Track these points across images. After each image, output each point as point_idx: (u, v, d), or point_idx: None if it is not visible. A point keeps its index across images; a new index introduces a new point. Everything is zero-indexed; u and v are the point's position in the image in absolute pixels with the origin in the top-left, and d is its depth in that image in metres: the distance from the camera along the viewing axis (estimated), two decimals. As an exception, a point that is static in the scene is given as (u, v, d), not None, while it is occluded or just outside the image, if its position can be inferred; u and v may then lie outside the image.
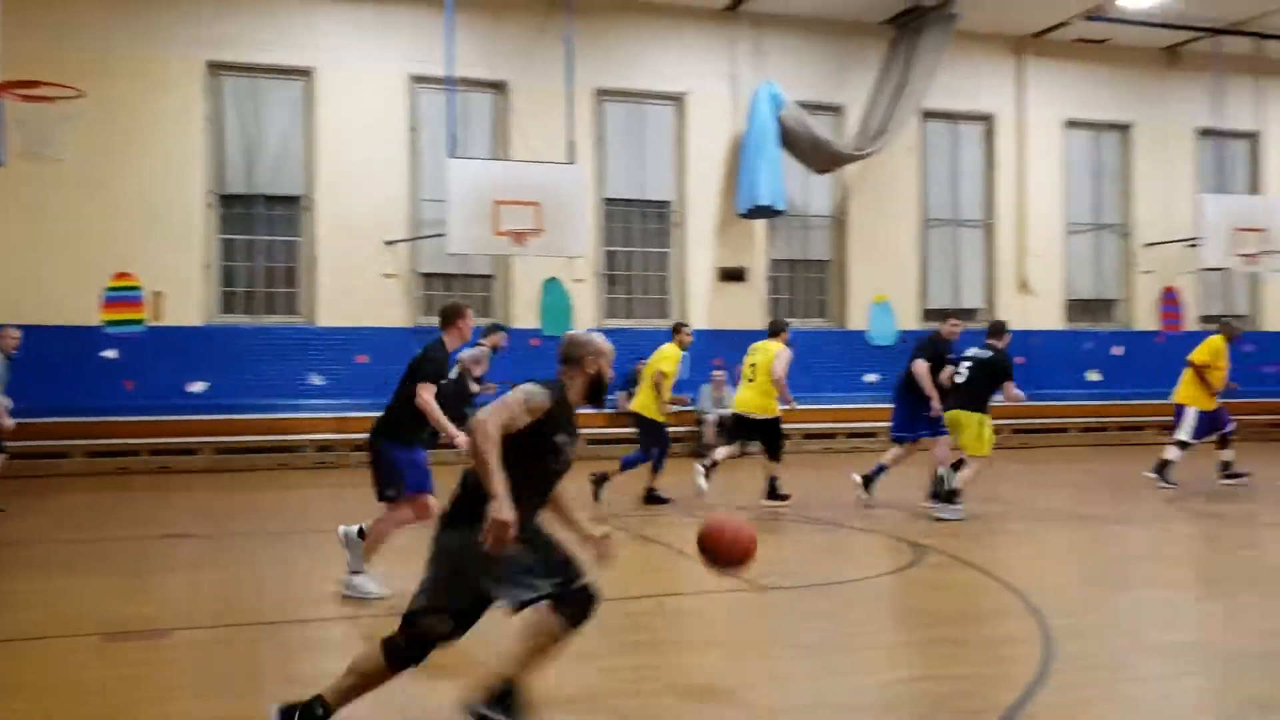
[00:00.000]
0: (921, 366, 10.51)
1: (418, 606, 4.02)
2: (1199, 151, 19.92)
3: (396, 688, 4.18)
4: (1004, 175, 19.00)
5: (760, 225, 17.75)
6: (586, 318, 16.78)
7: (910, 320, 18.39)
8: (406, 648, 4.01)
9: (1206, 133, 19.60)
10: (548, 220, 14.58)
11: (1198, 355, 12.20)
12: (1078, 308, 19.60)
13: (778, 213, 17.03)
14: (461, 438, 6.30)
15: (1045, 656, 5.37)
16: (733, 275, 17.59)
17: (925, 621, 6.48)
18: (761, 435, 11.06)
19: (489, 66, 16.38)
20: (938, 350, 10.67)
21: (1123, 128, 19.75)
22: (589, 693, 4.93)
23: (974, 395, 9.96)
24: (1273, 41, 18.87)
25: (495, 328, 12.46)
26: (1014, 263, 19.01)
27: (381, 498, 6.73)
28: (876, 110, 17.68)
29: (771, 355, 10.93)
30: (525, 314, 16.64)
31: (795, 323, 17.41)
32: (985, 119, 19.04)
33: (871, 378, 17.67)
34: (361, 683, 4.04)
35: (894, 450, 11.01)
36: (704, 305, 17.28)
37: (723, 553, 4.67)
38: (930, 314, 18.45)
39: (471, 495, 3.99)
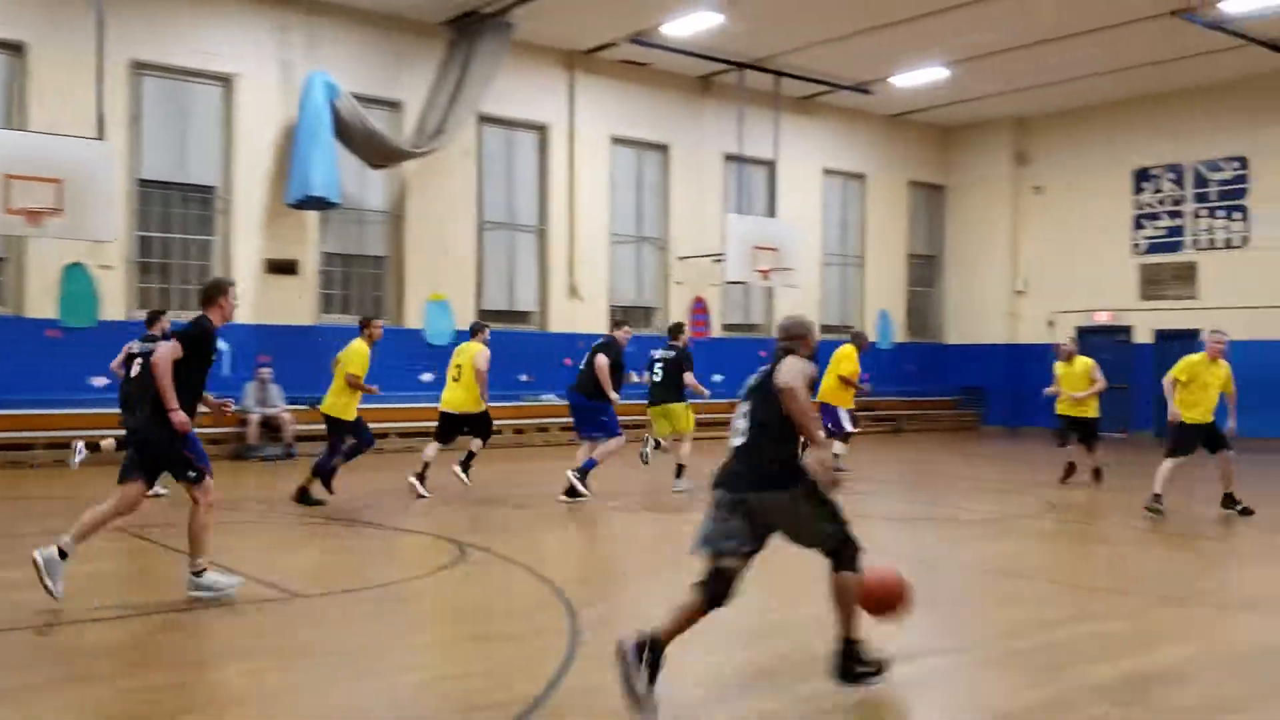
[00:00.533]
0: (604, 363, 11.34)
1: (725, 550, 4.70)
2: (727, 175, 21.86)
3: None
4: (556, 184, 19.78)
5: (313, 217, 17.22)
6: (115, 308, 15.43)
7: (467, 320, 18.62)
8: (713, 586, 4.69)
9: (733, 158, 21.54)
10: (70, 200, 13.24)
11: (844, 367, 14.14)
12: (620, 313, 20.78)
13: (331, 205, 16.61)
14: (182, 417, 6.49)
15: (572, 646, 5.62)
16: (282, 268, 16.92)
17: (461, 619, 6.56)
18: (473, 425, 11.85)
19: (4, 24, 14.62)
20: (617, 353, 11.57)
21: (662, 148, 21.24)
22: (106, 715, 4.52)
23: (671, 387, 11.95)
24: (788, 79, 21.11)
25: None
26: (565, 268, 19.83)
27: (185, 480, 6.57)
28: (434, 110, 17.75)
29: (473, 355, 11.66)
30: (42, 301, 15.01)
31: (350, 319, 17.06)
32: (540, 128, 19.71)
33: (427, 376, 17.70)
34: (685, 618, 4.67)
35: (588, 446, 11.62)
36: (250, 298, 16.47)
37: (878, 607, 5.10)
38: (486, 314, 18.81)
39: (782, 462, 4.69)
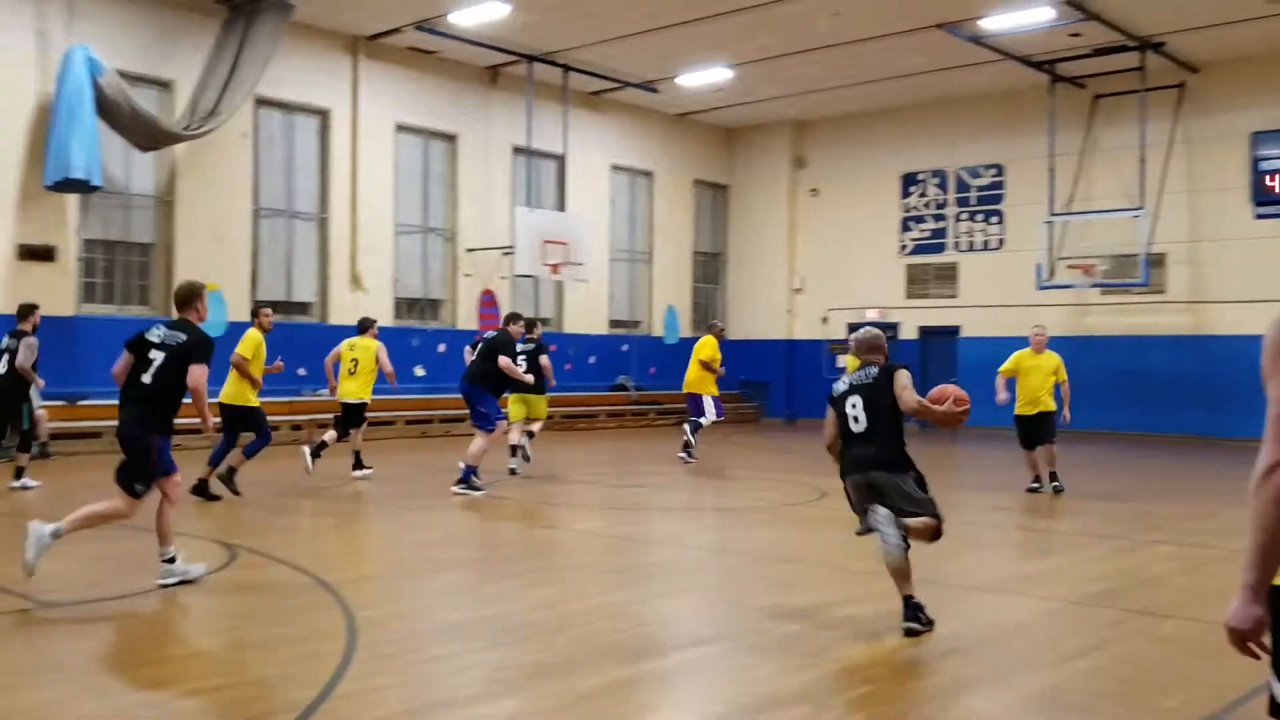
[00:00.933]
0: (507, 362, 11.83)
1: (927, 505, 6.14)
2: (515, 167, 21.82)
3: None
4: (338, 171, 19.26)
5: (72, 200, 16.20)
6: None
7: (243, 311, 17.92)
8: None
9: (521, 150, 21.52)
10: None
11: (705, 353, 15.19)
12: (405, 305, 20.47)
13: (93, 188, 15.64)
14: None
15: (348, 648, 5.52)
16: (37, 254, 15.84)
17: (231, 625, 6.32)
18: (355, 417, 12.99)
19: None
20: (511, 346, 12.20)
21: (449, 137, 21.00)
22: None
23: (533, 377, 12.96)
24: (577, 74, 21.24)
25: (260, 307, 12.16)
26: (347, 258, 19.35)
27: (131, 491, 6.72)
28: (208, 91, 16.96)
29: (374, 349, 12.82)
30: None
31: (113, 310, 16.16)
32: (321, 113, 19.15)
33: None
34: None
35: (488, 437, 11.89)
36: (2, 285, 15.33)
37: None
38: (262, 304, 18.14)
39: (901, 445, 6.20)
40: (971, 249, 23.33)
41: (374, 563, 8.46)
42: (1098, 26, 18.09)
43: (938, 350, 23.45)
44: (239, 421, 11.15)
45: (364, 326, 13.22)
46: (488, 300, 21.37)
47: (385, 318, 19.73)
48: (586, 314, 23.24)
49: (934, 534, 6.19)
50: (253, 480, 11.62)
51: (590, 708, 4.74)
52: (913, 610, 5.94)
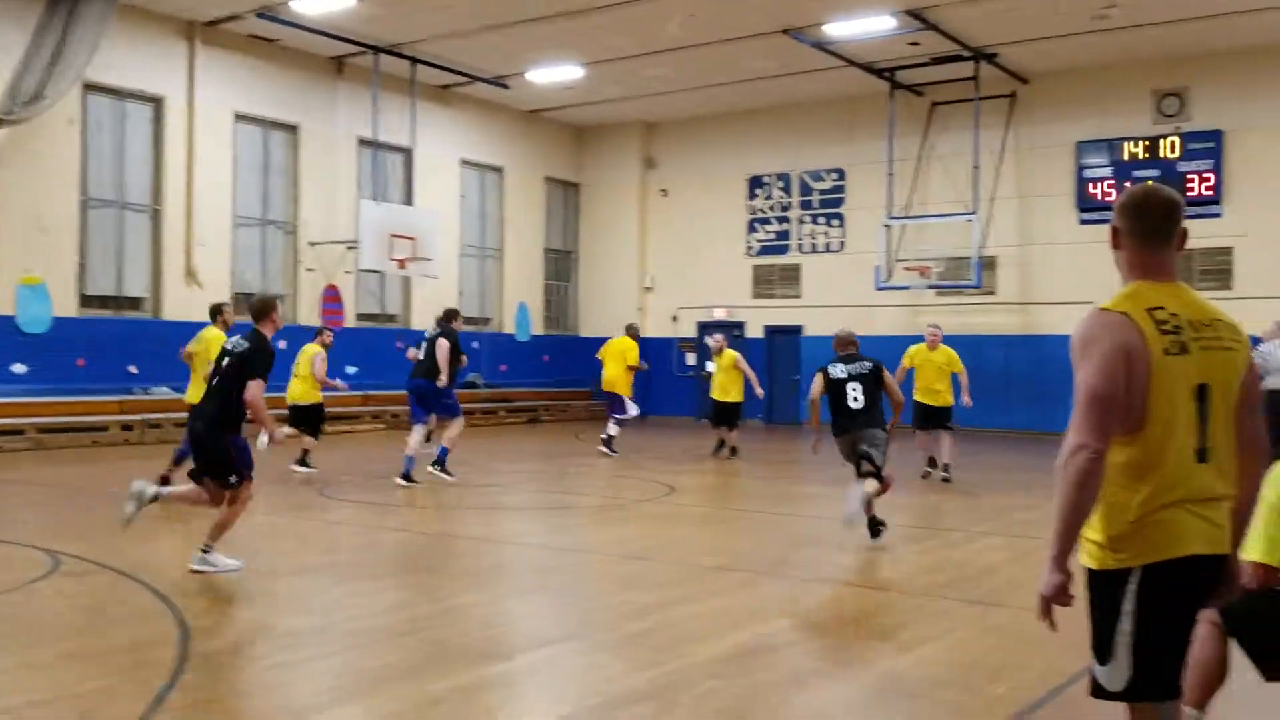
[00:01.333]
0: (444, 349, 12.29)
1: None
2: (361, 159, 21.33)
3: None
4: (173, 161, 18.50)
5: (-124, 187, 15.11)
6: None
7: (70, 306, 17.06)
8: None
9: (367, 143, 21.06)
10: None
11: (632, 356, 16.22)
12: (244, 301, 19.78)
13: (-100, 174, 14.64)
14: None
15: (181, 657, 5.30)
16: None
17: (54, 637, 5.99)
18: (305, 417, 13.36)
19: None
20: (455, 341, 12.60)
21: (291, 128, 20.40)
22: None
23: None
24: (425, 67, 20.92)
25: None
26: (182, 251, 18.60)
27: (225, 485, 7.40)
28: (30, 74, 16.07)
29: (310, 356, 13.14)
30: None
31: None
32: (155, 101, 18.36)
33: (19, 368, 16.06)
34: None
35: (419, 431, 12.55)
36: None
37: None
38: (90, 300, 17.34)
39: (882, 421, 9.10)
40: (814, 251, 23.91)
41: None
42: (935, 36, 18.77)
43: (782, 349, 23.96)
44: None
45: (317, 333, 13.81)
46: (331, 295, 20.83)
47: (224, 313, 19.01)
48: (435, 310, 22.77)
49: (883, 492, 8.82)
50: (77, 484, 11.06)
51: (438, 713, 4.66)
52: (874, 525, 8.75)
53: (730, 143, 24.70)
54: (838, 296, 22.98)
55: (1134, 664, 2.88)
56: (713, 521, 11.01)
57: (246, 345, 7.50)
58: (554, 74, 21.52)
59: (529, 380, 24.40)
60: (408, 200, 21.85)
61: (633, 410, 16.42)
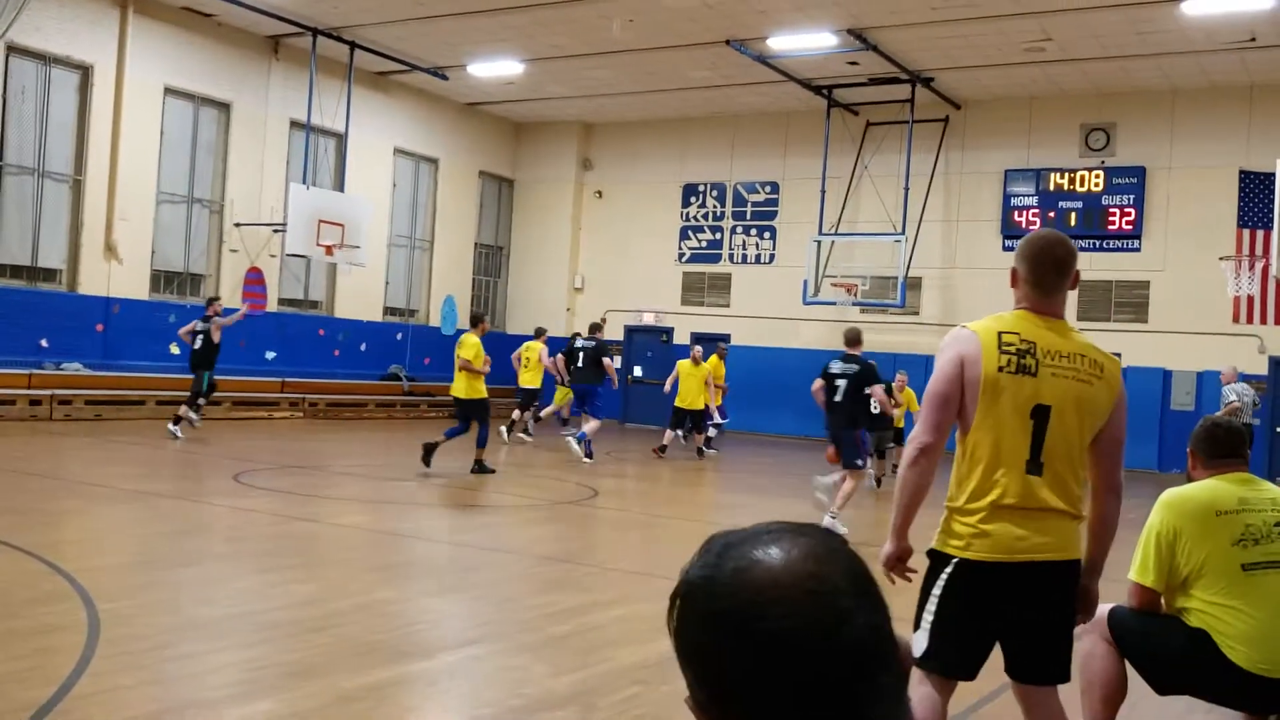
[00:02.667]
0: (608, 363, 15.84)
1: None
2: (293, 142, 20.96)
3: None
4: (98, 131, 17.99)
5: None
6: None
7: (-22, 274, 16.50)
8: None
9: (300, 125, 20.70)
10: None
11: (717, 375, 18.22)
12: (163, 279, 19.32)
13: None
14: None
15: (89, 644, 5.14)
16: None
17: (-46, 616, 5.78)
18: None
19: None
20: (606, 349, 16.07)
21: (223, 105, 19.98)
22: None
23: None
24: (363, 52, 20.63)
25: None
26: (102, 225, 18.10)
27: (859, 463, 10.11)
28: (-49, 31, 15.50)
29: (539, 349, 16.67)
30: None
31: None
32: (83, 69, 17.85)
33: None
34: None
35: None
36: None
37: None
38: (1, 268, 16.79)
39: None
40: (745, 261, 24.07)
41: (119, 552, 7.92)
42: (875, 57, 19.01)
43: (708, 356, 24.02)
44: (471, 412, 13.58)
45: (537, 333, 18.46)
46: (254, 278, 20.42)
47: (140, 291, 18.57)
48: (360, 299, 22.59)
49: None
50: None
51: (352, 710, 4.58)
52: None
53: (668, 149, 24.76)
54: (766, 308, 23.16)
55: (930, 639, 3.25)
56: (635, 526, 11.01)
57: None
58: (494, 68, 21.37)
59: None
60: (339, 186, 21.52)
61: (720, 419, 18.92)
